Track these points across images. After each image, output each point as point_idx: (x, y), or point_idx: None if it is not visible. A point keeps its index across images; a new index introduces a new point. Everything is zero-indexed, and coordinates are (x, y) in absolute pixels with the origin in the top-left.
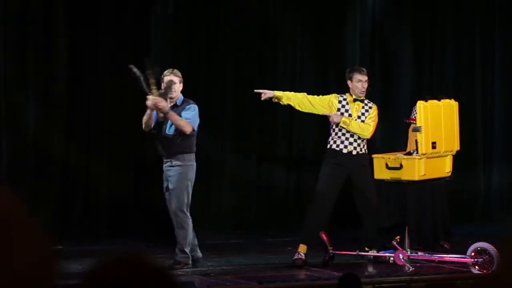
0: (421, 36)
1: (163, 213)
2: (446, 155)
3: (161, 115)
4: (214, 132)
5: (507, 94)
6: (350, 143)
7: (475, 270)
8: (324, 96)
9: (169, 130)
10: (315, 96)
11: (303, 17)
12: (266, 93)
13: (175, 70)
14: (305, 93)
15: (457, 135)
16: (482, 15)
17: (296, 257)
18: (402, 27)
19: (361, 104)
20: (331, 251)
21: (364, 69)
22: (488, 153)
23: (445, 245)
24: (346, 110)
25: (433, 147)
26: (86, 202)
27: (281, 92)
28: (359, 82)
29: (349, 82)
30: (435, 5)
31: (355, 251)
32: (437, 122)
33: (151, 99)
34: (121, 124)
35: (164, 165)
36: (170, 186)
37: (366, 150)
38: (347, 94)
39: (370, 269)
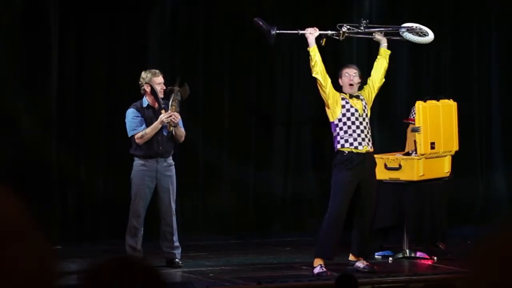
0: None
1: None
2: (445, 156)
3: (172, 128)
4: (212, 137)
5: (504, 95)
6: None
7: None
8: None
9: (166, 131)
10: (329, 80)
11: (299, 21)
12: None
13: (157, 71)
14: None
15: (456, 135)
16: (479, 16)
17: None
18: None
19: (359, 100)
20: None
21: (353, 64)
22: (486, 155)
23: (440, 246)
24: (352, 106)
25: (432, 147)
26: (83, 202)
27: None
28: (345, 75)
29: (340, 80)
30: (432, 7)
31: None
32: (436, 122)
33: (170, 114)
34: (116, 124)
35: (158, 164)
36: (168, 185)
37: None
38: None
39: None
